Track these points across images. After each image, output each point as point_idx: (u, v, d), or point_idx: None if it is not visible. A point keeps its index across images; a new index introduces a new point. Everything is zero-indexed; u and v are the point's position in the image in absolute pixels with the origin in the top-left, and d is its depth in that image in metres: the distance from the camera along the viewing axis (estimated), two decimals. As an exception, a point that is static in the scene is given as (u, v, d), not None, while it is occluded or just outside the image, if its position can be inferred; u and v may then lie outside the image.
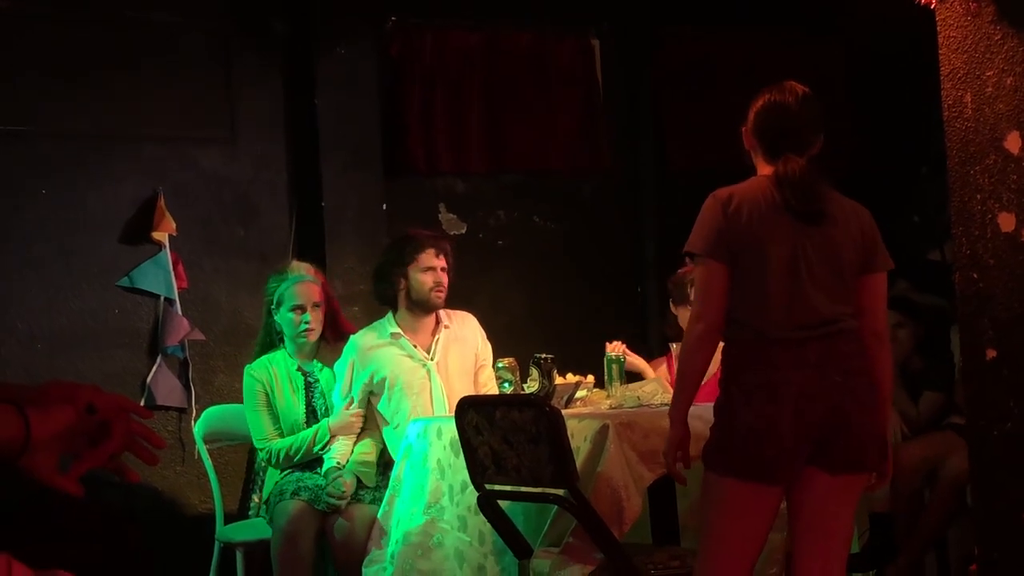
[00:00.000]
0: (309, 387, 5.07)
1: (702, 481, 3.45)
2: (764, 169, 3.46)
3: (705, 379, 4.41)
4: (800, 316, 3.31)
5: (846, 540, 3.46)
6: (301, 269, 5.14)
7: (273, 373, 5.07)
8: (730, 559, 3.39)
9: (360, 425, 4.95)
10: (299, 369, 5.09)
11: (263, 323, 5.24)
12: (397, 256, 4.97)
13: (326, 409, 5.03)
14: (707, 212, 3.38)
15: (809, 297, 3.31)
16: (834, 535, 3.43)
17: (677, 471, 3.47)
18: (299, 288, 5.05)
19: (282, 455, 4.97)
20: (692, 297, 3.56)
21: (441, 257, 4.96)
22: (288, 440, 4.98)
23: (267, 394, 5.04)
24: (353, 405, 4.91)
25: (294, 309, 5.04)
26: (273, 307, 5.10)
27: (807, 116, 3.45)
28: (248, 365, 5.16)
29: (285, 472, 5.00)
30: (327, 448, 4.91)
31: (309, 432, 4.94)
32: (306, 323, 5.02)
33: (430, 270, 4.92)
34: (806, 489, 3.37)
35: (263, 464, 5.16)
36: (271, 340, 5.17)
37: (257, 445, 5.09)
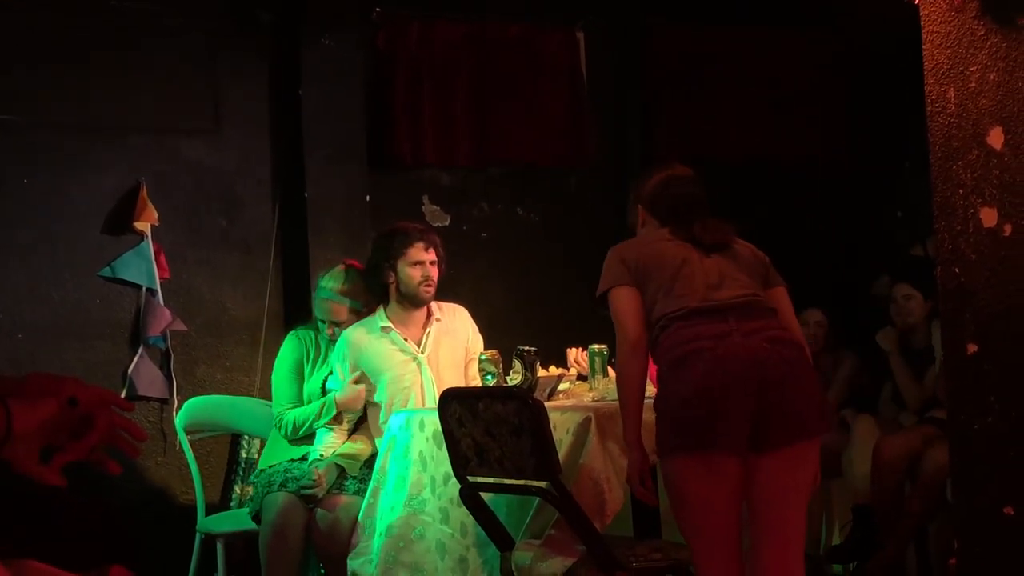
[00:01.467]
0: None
1: (663, 477, 3.50)
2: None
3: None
4: (711, 288, 3.50)
5: (800, 530, 3.48)
6: (331, 280, 5.12)
7: (316, 344, 5.12)
8: (712, 543, 3.42)
9: (363, 401, 4.95)
10: None
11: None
12: (386, 250, 4.96)
13: None
14: (608, 260, 3.68)
15: (716, 275, 3.53)
16: (788, 524, 3.45)
17: (645, 492, 3.58)
18: (325, 305, 5.08)
19: (291, 426, 5.00)
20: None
21: (430, 251, 4.95)
22: (298, 411, 5.00)
23: (301, 362, 5.09)
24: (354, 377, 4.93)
25: (322, 322, 5.10)
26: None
27: (700, 190, 3.78)
28: (295, 329, 5.21)
29: (272, 462, 5.00)
30: (330, 421, 4.93)
31: (316, 405, 4.97)
32: (329, 337, 5.08)
33: (418, 264, 4.91)
34: (755, 479, 3.41)
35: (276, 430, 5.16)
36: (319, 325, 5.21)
37: (274, 411, 5.10)
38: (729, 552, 3.42)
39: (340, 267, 5.16)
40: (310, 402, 5.02)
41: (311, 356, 5.10)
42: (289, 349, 5.13)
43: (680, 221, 3.68)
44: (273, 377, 5.15)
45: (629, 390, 3.54)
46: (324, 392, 5.02)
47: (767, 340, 3.40)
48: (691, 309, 3.46)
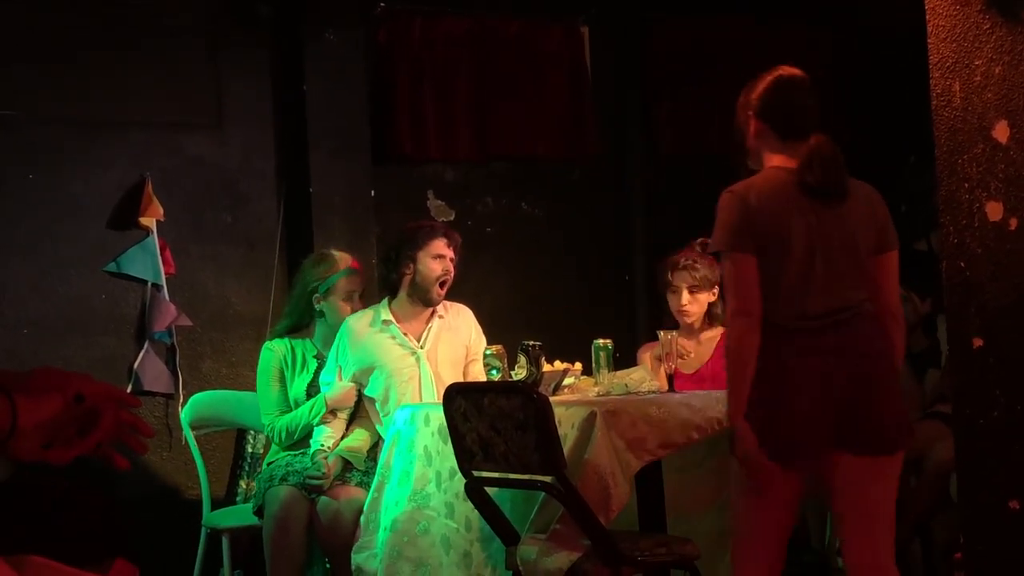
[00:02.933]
0: (320, 368, 5.08)
1: (730, 467, 3.52)
2: (773, 160, 3.51)
3: (699, 367, 4.46)
4: (817, 305, 3.38)
5: (888, 520, 3.49)
6: (349, 262, 5.16)
7: (292, 351, 5.10)
8: (753, 540, 3.48)
9: (355, 398, 4.95)
10: (316, 356, 5.12)
11: (294, 305, 5.20)
12: (410, 241, 4.96)
13: None
14: (726, 208, 3.41)
15: (826, 287, 3.39)
16: (873, 516, 3.47)
17: (759, 462, 3.40)
18: (350, 280, 5.11)
19: (284, 432, 5.00)
20: (724, 292, 3.56)
21: (451, 248, 4.97)
22: (288, 417, 5.00)
23: (282, 370, 5.08)
24: (344, 379, 4.92)
25: (346, 299, 5.09)
26: (320, 294, 5.10)
27: (814, 94, 3.56)
28: (268, 341, 5.19)
29: (275, 457, 5.00)
30: (322, 420, 4.92)
31: (305, 408, 4.97)
32: (354, 311, 5.07)
33: (440, 258, 4.92)
34: (836, 474, 3.45)
35: (269, 438, 5.16)
36: (300, 323, 5.18)
37: (264, 421, 5.10)
38: (768, 551, 3.48)
39: (327, 251, 5.25)
40: (296, 407, 5.03)
41: (289, 363, 5.10)
42: (267, 360, 5.12)
43: (796, 132, 3.48)
44: (258, 390, 5.14)
45: (741, 364, 3.37)
46: (308, 396, 5.02)
47: (860, 357, 3.39)
48: (790, 323, 3.39)
